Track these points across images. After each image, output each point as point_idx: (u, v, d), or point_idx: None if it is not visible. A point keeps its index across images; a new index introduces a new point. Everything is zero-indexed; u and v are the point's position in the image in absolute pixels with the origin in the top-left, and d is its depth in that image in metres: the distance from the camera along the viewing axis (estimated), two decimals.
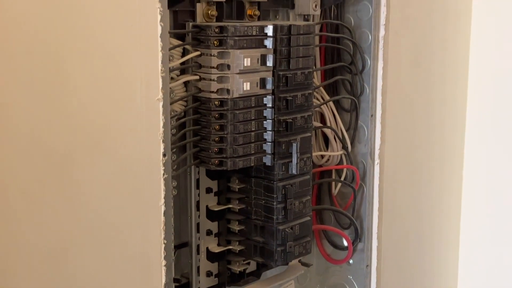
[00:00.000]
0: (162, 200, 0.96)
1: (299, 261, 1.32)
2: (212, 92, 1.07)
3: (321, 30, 1.29)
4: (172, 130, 1.05)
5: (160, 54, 0.93)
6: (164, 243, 0.97)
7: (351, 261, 1.35)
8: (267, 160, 1.12)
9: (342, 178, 1.33)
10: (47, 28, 0.84)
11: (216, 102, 1.07)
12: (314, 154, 1.29)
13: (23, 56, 0.83)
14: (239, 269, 1.21)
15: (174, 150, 1.06)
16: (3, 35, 0.82)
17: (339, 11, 1.29)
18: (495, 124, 1.52)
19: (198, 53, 1.07)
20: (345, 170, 1.33)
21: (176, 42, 1.06)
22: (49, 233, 0.88)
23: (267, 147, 1.12)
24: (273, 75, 1.11)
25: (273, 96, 1.11)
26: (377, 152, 1.30)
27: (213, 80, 1.07)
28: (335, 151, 1.31)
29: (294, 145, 1.13)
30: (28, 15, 0.83)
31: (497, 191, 1.55)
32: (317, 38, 1.27)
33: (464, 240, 1.58)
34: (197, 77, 1.08)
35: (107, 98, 0.91)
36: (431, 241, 1.51)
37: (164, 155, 0.96)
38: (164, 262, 0.98)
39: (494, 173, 1.55)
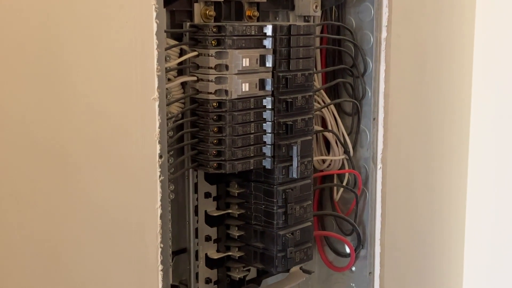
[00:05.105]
0: (159, 203, 0.94)
1: (301, 268, 1.29)
2: (210, 93, 1.05)
3: (322, 32, 1.27)
4: (169, 132, 1.03)
5: (155, 52, 0.91)
6: (160, 247, 0.95)
7: (353, 268, 1.33)
8: (267, 163, 1.10)
9: (344, 183, 1.31)
10: (40, 26, 0.83)
11: (214, 104, 1.05)
12: (315, 158, 1.27)
13: (17, 55, 0.81)
14: (238, 276, 1.18)
15: (171, 152, 1.04)
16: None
17: (340, 13, 1.27)
18: (500, 127, 1.50)
19: (195, 53, 1.05)
20: (347, 175, 1.31)
21: (173, 42, 1.05)
22: (43, 236, 0.86)
23: (267, 150, 1.10)
24: (273, 76, 1.09)
25: (272, 98, 1.09)
26: (379, 156, 1.28)
27: (211, 81, 1.05)
28: (337, 156, 1.29)
29: (295, 148, 1.11)
30: (21, 13, 0.81)
31: (503, 197, 1.53)
32: (318, 40, 1.25)
33: (469, 246, 1.55)
34: (195, 78, 1.06)
35: (101, 97, 0.88)
36: (435, 247, 1.49)
37: (160, 156, 0.94)
38: (161, 267, 0.96)
39: (499, 178, 1.53)
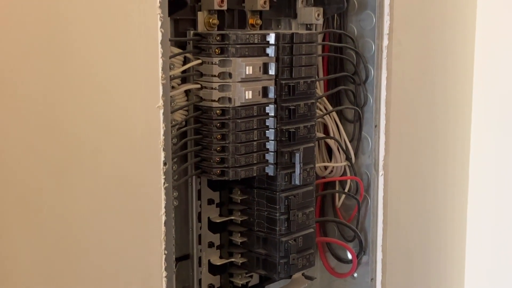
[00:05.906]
0: (163, 210, 0.95)
1: (303, 274, 1.29)
2: (214, 101, 1.06)
3: (324, 40, 1.28)
4: (173, 140, 1.03)
5: (160, 61, 0.92)
6: (165, 254, 0.96)
7: (355, 275, 1.33)
8: (270, 170, 1.11)
9: (346, 190, 1.31)
10: (46, 33, 0.83)
11: (218, 111, 1.06)
12: (317, 165, 1.28)
13: (21, 62, 0.82)
14: (241, 282, 1.19)
15: (175, 159, 1.05)
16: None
17: (342, 21, 1.28)
18: (501, 133, 1.50)
19: (199, 61, 1.06)
20: (349, 181, 1.31)
21: (177, 50, 1.05)
22: (47, 242, 0.86)
23: (270, 157, 1.11)
24: (276, 84, 1.10)
25: (275, 105, 1.10)
26: (381, 163, 1.28)
27: (215, 88, 1.05)
28: (339, 162, 1.30)
29: (297, 155, 1.11)
30: (24, 17, 0.82)
31: (504, 201, 1.53)
32: (320, 48, 1.25)
33: (471, 251, 1.56)
34: (199, 86, 1.07)
35: (106, 105, 0.89)
36: (437, 253, 1.49)
37: (164, 164, 0.94)
38: (165, 273, 0.96)
39: (501, 184, 1.53)
